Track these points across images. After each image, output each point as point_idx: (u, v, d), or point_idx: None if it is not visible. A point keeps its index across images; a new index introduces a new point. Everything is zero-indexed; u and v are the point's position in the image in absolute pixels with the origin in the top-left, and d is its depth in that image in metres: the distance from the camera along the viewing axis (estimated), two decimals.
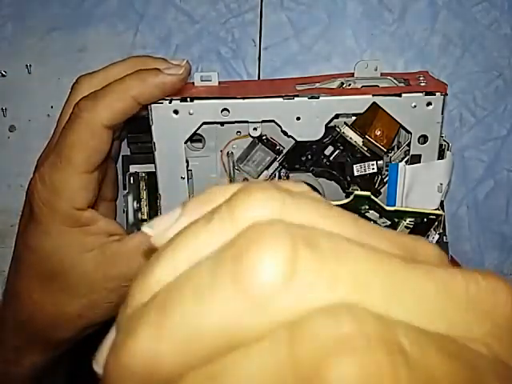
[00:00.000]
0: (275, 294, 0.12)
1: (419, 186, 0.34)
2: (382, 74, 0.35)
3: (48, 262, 0.32)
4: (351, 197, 0.32)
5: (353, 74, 0.36)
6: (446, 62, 0.47)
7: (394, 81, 0.35)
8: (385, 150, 0.34)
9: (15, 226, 0.48)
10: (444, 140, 0.34)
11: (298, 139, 0.33)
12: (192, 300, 0.12)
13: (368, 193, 0.31)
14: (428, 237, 0.34)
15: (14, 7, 0.47)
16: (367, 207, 0.32)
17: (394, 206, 0.33)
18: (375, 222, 0.32)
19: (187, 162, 0.34)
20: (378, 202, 0.32)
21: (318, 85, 0.36)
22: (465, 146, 0.48)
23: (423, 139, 0.33)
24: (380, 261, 0.12)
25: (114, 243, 0.32)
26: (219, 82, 0.34)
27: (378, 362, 0.10)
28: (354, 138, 0.34)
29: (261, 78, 0.47)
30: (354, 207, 0.32)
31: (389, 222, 0.33)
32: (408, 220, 0.32)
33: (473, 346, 0.12)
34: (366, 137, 0.33)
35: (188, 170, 0.35)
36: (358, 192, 0.32)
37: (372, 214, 0.32)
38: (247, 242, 0.12)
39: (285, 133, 0.33)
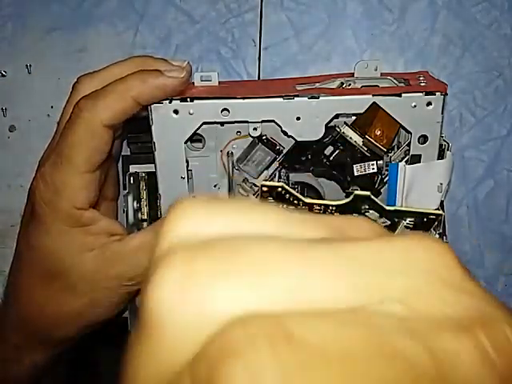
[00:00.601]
0: (173, 307, 0.12)
1: (419, 186, 0.34)
2: (382, 74, 0.35)
3: (49, 261, 0.32)
4: (351, 197, 0.32)
5: (353, 73, 0.36)
6: (446, 61, 0.47)
7: (394, 81, 0.35)
8: (385, 149, 0.34)
9: (15, 226, 0.49)
10: (444, 140, 0.34)
11: (298, 139, 0.33)
12: None
13: (368, 193, 0.31)
14: None
15: (13, 7, 0.47)
16: (367, 207, 0.32)
17: (394, 205, 0.33)
18: (375, 221, 0.32)
19: (187, 162, 0.34)
20: (378, 201, 0.32)
21: (317, 85, 0.36)
22: (465, 146, 0.48)
23: (423, 139, 0.33)
24: (282, 249, 0.12)
25: (115, 243, 0.32)
26: (219, 82, 0.34)
27: (261, 358, 0.10)
28: (354, 137, 0.34)
29: (261, 77, 0.47)
30: (354, 207, 0.32)
31: (389, 222, 0.33)
32: (408, 220, 0.32)
33: (384, 308, 0.12)
34: (366, 137, 0.33)
35: (188, 170, 0.35)
36: (358, 192, 0.32)
37: (372, 213, 0.32)
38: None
39: (285, 133, 0.33)
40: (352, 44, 0.47)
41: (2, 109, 0.48)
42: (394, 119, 0.33)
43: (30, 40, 0.47)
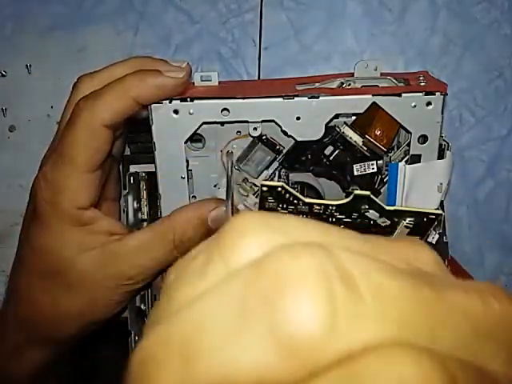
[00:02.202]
0: (315, 345, 0.11)
1: (419, 186, 0.34)
2: (381, 74, 0.35)
3: (49, 260, 0.32)
4: (351, 196, 0.32)
5: (353, 73, 0.36)
6: (447, 61, 0.47)
7: (394, 81, 0.35)
8: (385, 149, 0.34)
9: (15, 225, 0.49)
10: (444, 140, 0.34)
11: (298, 139, 0.33)
12: (219, 346, 0.11)
13: (368, 192, 0.31)
14: (428, 237, 0.34)
15: (13, 7, 0.47)
16: (367, 207, 0.32)
17: (394, 205, 0.33)
18: (375, 221, 0.32)
19: (187, 161, 0.34)
20: (378, 201, 0.32)
21: (317, 85, 0.36)
22: (465, 146, 0.48)
23: (423, 139, 0.33)
24: (413, 289, 0.12)
25: (115, 242, 0.33)
26: (219, 82, 0.34)
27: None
28: (354, 137, 0.34)
29: (261, 77, 0.47)
30: (354, 207, 0.32)
31: (388, 222, 0.33)
32: (408, 220, 0.32)
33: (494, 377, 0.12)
34: (366, 137, 0.33)
35: (188, 170, 0.35)
36: (358, 192, 0.32)
37: (372, 213, 0.32)
38: (274, 284, 0.11)
39: (285, 133, 0.33)
40: (352, 44, 0.47)
41: (2, 109, 0.48)
42: (394, 119, 0.33)
43: (29, 40, 0.47)
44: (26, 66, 0.47)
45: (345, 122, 0.34)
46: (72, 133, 0.31)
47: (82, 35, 0.47)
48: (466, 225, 0.49)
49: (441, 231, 0.35)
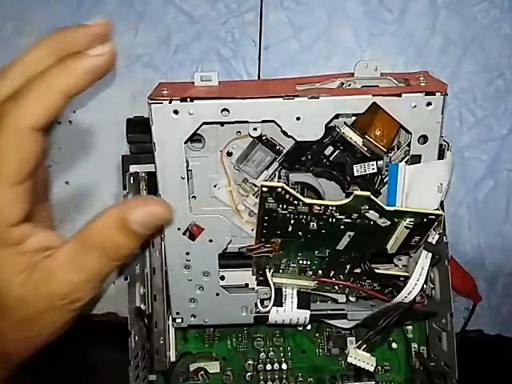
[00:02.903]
0: None
1: (419, 186, 0.34)
2: (381, 74, 0.35)
3: None
4: (351, 197, 0.32)
5: (353, 73, 0.36)
6: (447, 61, 0.47)
7: (394, 81, 0.35)
8: (385, 150, 0.34)
9: None
10: (444, 140, 0.34)
11: (298, 139, 0.33)
12: None
13: (368, 193, 0.31)
14: (428, 237, 0.34)
15: (13, 7, 0.47)
16: (367, 207, 0.32)
17: (394, 205, 0.33)
18: (375, 222, 0.32)
19: (187, 162, 0.34)
20: (378, 202, 0.32)
21: (317, 85, 0.36)
22: (465, 146, 0.48)
23: (423, 139, 0.33)
24: None
25: (45, 260, 0.29)
26: (219, 82, 0.34)
27: None
28: (354, 137, 0.34)
29: (261, 78, 0.47)
30: (354, 207, 0.32)
31: (389, 222, 0.33)
32: (408, 220, 0.32)
33: None
34: (366, 137, 0.33)
35: (188, 170, 0.35)
36: (358, 192, 0.32)
37: (372, 214, 0.32)
38: None
39: (285, 133, 0.33)
40: (352, 44, 0.47)
41: None
42: (394, 119, 0.33)
43: (30, 40, 0.47)
44: None
45: (345, 123, 0.34)
46: None
47: None
48: (466, 225, 0.49)
49: (441, 231, 0.35)
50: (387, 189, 0.34)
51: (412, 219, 0.32)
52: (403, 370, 0.44)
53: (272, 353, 0.43)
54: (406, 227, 0.33)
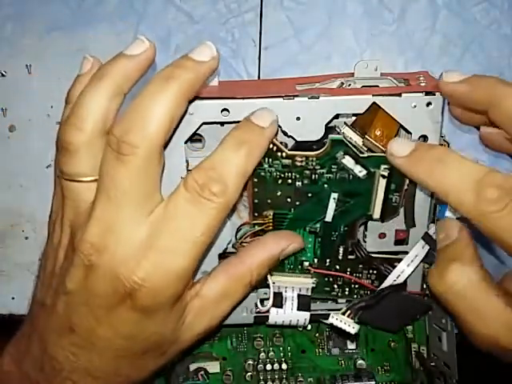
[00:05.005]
0: None
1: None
2: (381, 74, 0.35)
3: (144, 343, 0.30)
4: (328, 142, 0.32)
5: (353, 73, 0.36)
6: (446, 61, 0.47)
7: (394, 81, 0.35)
8: (385, 150, 0.34)
9: (15, 226, 0.49)
10: (444, 140, 0.34)
11: (298, 139, 0.33)
12: None
13: (341, 136, 0.33)
14: (429, 229, 0.35)
15: (13, 7, 0.47)
16: (342, 153, 0.33)
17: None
18: (354, 173, 0.33)
19: (187, 162, 0.34)
20: (352, 146, 0.33)
21: (317, 85, 0.36)
22: (465, 146, 0.48)
23: (423, 139, 0.33)
24: None
25: (195, 300, 0.31)
26: (219, 82, 0.34)
27: None
28: (354, 137, 0.34)
29: (261, 77, 0.47)
30: (331, 155, 0.33)
31: (365, 171, 0.33)
32: (383, 167, 0.33)
33: None
34: (366, 137, 0.33)
35: (188, 170, 0.35)
36: (333, 135, 0.33)
37: (348, 160, 0.33)
38: None
39: (285, 133, 0.33)
40: (352, 44, 0.47)
41: (2, 109, 0.48)
42: (394, 119, 0.33)
43: (30, 40, 0.47)
44: (26, 66, 0.47)
45: (345, 123, 0.34)
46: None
47: (82, 35, 0.47)
48: (465, 225, 0.49)
49: None
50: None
51: (386, 165, 0.33)
52: (403, 370, 0.44)
53: (272, 353, 0.43)
54: (382, 176, 0.33)
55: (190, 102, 0.32)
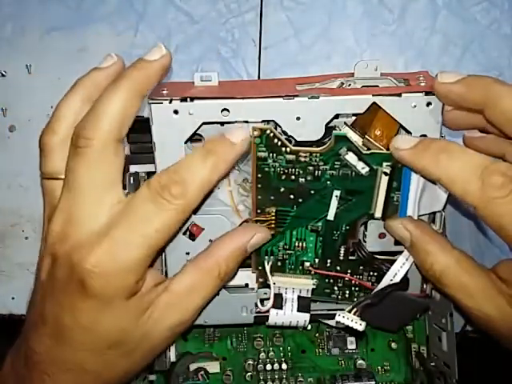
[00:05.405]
0: None
1: (427, 188, 0.34)
2: (382, 74, 0.35)
3: (105, 335, 0.30)
4: (332, 138, 0.32)
5: (353, 73, 0.36)
6: (447, 61, 0.47)
7: (394, 81, 0.35)
8: (385, 149, 0.34)
9: (15, 225, 0.49)
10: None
11: (298, 139, 0.33)
12: None
13: (344, 132, 0.33)
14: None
15: (13, 7, 0.47)
16: (345, 149, 0.33)
17: (407, 213, 0.33)
18: (356, 170, 0.33)
19: None
20: (354, 143, 0.32)
21: (317, 85, 0.36)
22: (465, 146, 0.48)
23: None
24: None
25: (164, 294, 0.32)
26: (219, 82, 0.34)
27: None
28: (354, 137, 0.34)
29: (261, 78, 0.47)
30: (335, 151, 0.33)
31: (368, 168, 0.33)
32: (385, 164, 0.33)
33: None
34: (366, 137, 0.33)
35: None
36: (337, 131, 0.33)
37: (351, 156, 0.33)
38: None
39: (285, 133, 0.33)
40: (352, 44, 0.47)
41: (2, 109, 0.48)
42: (394, 119, 0.33)
43: (30, 40, 0.47)
44: (26, 66, 0.47)
45: (345, 123, 0.34)
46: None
47: (82, 35, 0.47)
48: (465, 224, 0.49)
49: (441, 230, 0.35)
50: (401, 193, 0.34)
51: (389, 163, 0.33)
52: (403, 370, 0.44)
53: (272, 353, 0.43)
54: (384, 173, 0.33)
55: (191, 100, 0.32)
